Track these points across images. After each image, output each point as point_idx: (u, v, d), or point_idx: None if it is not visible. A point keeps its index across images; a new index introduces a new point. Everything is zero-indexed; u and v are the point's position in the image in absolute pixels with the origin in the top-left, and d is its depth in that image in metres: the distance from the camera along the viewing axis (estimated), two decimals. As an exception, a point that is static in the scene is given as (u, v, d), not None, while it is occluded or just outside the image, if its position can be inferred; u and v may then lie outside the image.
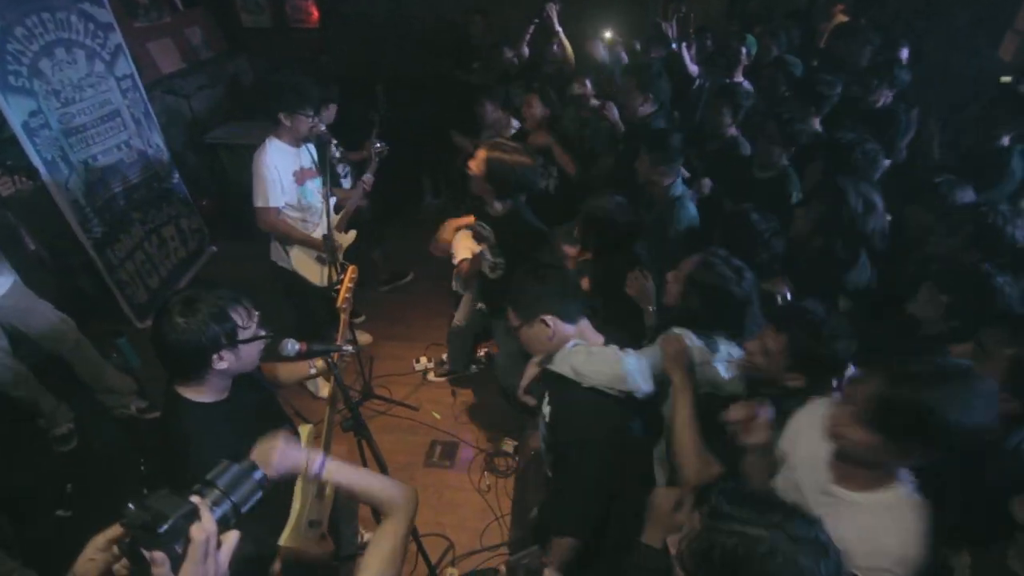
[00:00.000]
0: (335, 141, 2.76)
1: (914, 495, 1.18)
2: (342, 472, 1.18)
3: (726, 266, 1.70)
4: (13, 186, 2.18)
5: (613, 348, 1.65)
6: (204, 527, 0.76)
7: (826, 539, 0.87)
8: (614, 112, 3.36)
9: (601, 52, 4.27)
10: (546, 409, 1.73)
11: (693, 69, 4.00)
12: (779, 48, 4.20)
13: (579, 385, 1.58)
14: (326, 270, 3.00)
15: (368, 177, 3.11)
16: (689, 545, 0.91)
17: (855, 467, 1.22)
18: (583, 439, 1.58)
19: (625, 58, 4.37)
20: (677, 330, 1.70)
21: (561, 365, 1.62)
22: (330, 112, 3.39)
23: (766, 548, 0.83)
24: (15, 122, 2.99)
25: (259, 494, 0.85)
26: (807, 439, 1.36)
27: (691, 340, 1.67)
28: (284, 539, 1.71)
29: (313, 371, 1.98)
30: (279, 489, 1.73)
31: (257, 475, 0.86)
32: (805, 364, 1.46)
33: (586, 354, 1.61)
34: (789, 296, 2.04)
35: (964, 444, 1.11)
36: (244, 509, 0.83)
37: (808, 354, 1.44)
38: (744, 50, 3.85)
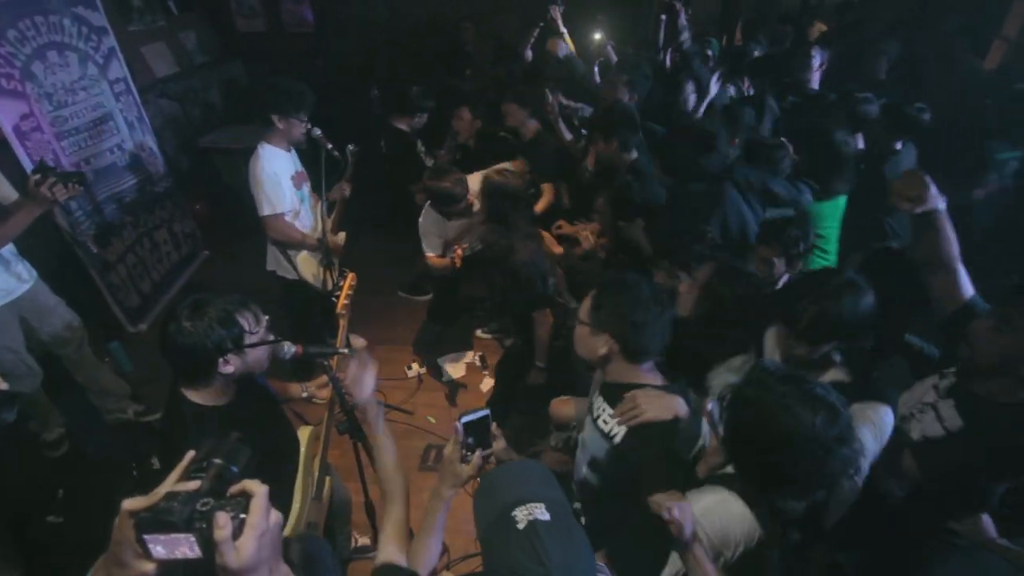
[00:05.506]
0: (330, 145, 2.75)
1: None
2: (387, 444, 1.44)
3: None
4: (66, 192, 2.23)
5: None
6: (260, 482, 0.76)
7: (837, 404, 1.10)
8: (585, 108, 3.69)
9: (562, 51, 4.23)
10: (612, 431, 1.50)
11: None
12: (761, 51, 4.30)
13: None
14: (322, 273, 2.98)
15: (344, 184, 2.98)
16: (724, 394, 1.22)
17: None
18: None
19: (615, 58, 4.38)
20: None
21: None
22: (422, 119, 3.70)
23: (776, 398, 1.11)
24: (6, 125, 2.97)
25: (251, 454, 0.88)
26: None
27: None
28: (281, 541, 1.70)
29: (304, 394, 1.99)
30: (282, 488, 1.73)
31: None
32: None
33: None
34: None
35: None
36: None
37: None
38: (709, 53, 4.04)
